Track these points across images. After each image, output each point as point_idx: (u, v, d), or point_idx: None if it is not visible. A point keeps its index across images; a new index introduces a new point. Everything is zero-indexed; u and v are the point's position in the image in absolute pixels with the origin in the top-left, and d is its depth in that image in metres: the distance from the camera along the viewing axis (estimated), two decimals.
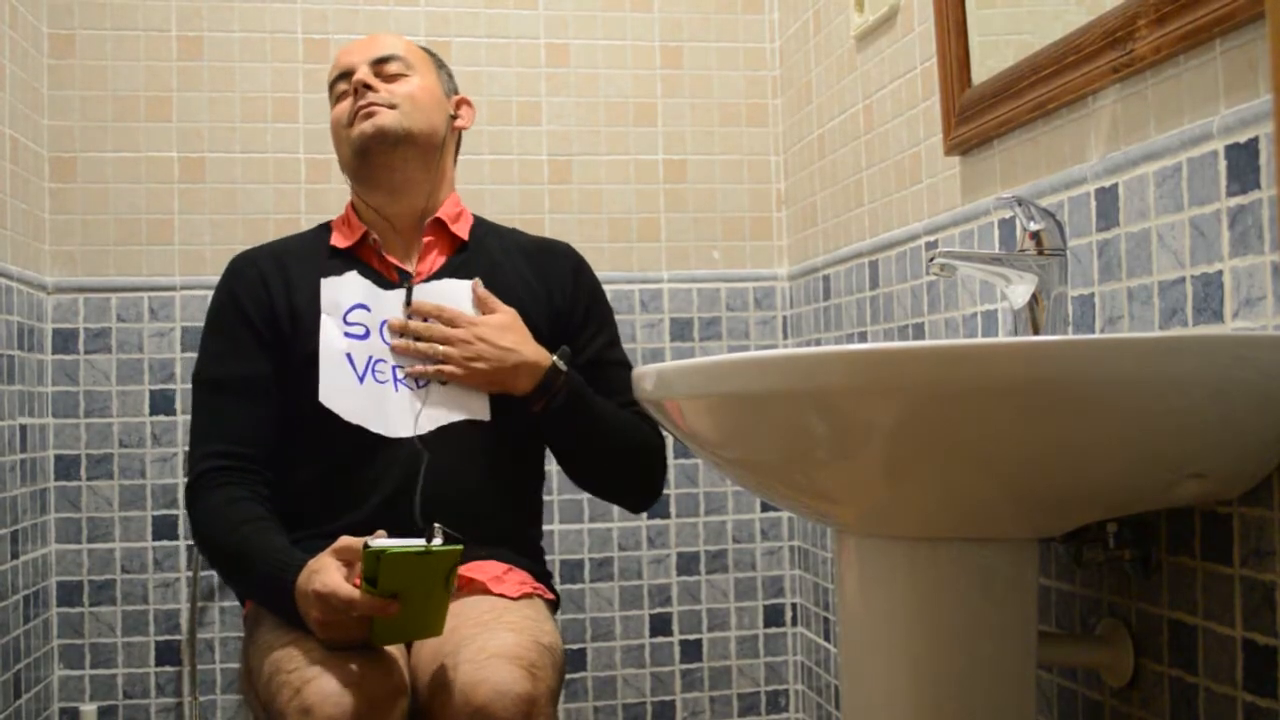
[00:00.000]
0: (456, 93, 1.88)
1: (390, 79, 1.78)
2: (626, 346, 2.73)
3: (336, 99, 1.80)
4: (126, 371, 2.55)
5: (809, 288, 2.65)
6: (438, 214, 1.80)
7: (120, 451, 2.54)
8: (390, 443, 1.67)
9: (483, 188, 2.69)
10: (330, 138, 1.89)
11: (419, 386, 1.71)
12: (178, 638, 2.53)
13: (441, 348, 1.71)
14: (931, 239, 2.04)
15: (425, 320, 1.73)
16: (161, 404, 2.55)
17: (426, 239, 1.79)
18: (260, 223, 2.59)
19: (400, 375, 1.70)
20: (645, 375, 1.33)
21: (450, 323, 1.72)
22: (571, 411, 1.72)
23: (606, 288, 2.70)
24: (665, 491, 2.74)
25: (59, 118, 2.57)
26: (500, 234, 1.89)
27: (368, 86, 1.74)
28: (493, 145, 2.72)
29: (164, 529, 2.54)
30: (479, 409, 1.72)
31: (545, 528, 2.67)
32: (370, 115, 1.74)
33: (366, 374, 1.69)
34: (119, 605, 2.53)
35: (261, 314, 1.74)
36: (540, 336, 1.76)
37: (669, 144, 2.80)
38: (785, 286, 2.80)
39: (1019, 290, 1.53)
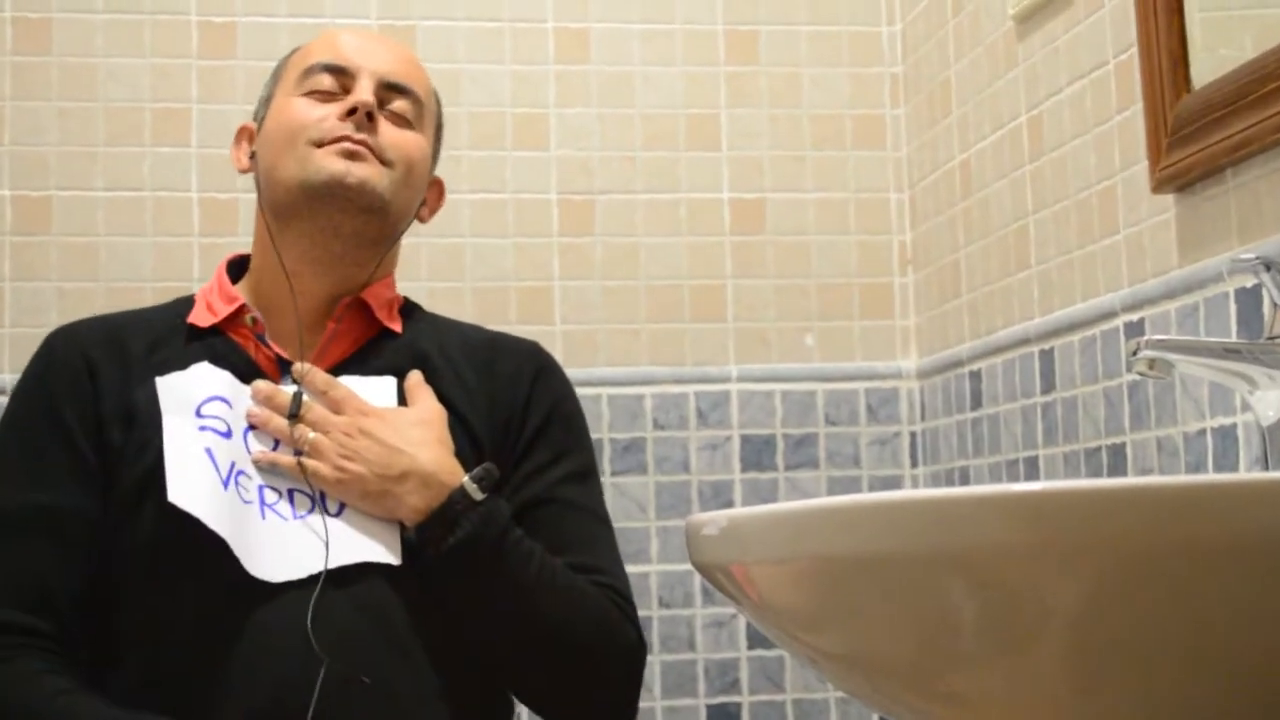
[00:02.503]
0: (435, 167, 1.93)
1: (396, 121, 1.83)
2: (676, 478, 2.71)
3: (309, 90, 1.83)
4: None
5: (949, 390, 2.63)
6: (361, 294, 1.82)
7: None
8: (264, 592, 1.66)
9: (462, 241, 2.70)
10: (240, 143, 1.89)
11: (297, 517, 1.70)
12: None
13: (312, 435, 1.71)
14: (1134, 318, 2.02)
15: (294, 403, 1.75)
16: None
17: (334, 323, 1.81)
18: (132, 293, 2.61)
19: (270, 500, 1.70)
20: (704, 525, 1.31)
21: (336, 407, 1.74)
22: (482, 561, 1.69)
23: (646, 389, 2.72)
24: (737, 699, 2.70)
25: None
26: (440, 326, 1.92)
27: (370, 117, 1.79)
28: (477, 179, 2.74)
29: None
30: (383, 546, 1.70)
31: None
32: (358, 158, 1.77)
33: (230, 481, 1.69)
34: None
35: (82, 416, 1.74)
36: (480, 462, 1.75)
37: (739, 176, 2.80)
38: (914, 388, 2.79)
39: (1270, 398, 1.51)
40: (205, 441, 1.70)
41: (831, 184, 2.82)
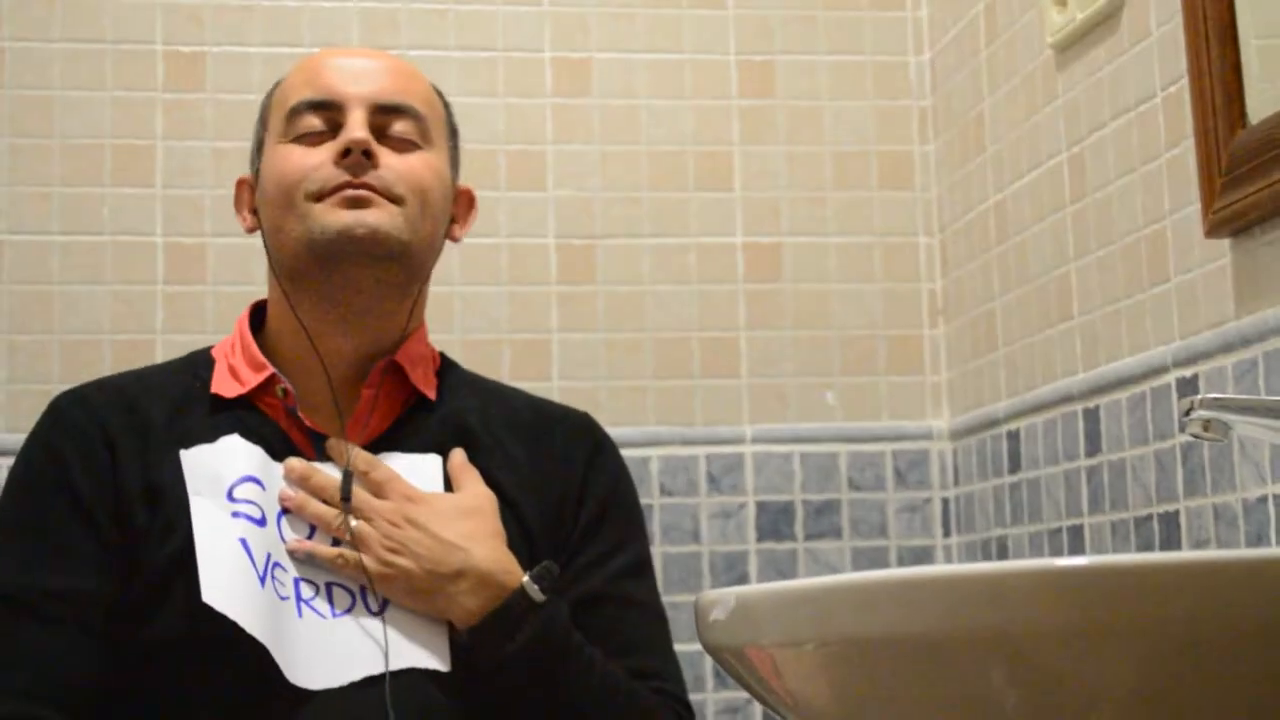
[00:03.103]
0: (458, 177, 1.91)
1: (398, 146, 1.80)
2: (685, 548, 2.70)
3: (297, 134, 1.80)
4: None
5: (985, 453, 2.63)
6: (395, 356, 1.80)
7: None
8: (301, 698, 1.65)
9: (451, 290, 2.70)
10: (247, 198, 1.86)
11: (335, 615, 1.68)
12: None
13: (355, 523, 1.70)
14: (1187, 374, 2.02)
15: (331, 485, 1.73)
16: None
17: (370, 390, 1.79)
18: (89, 348, 2.61)
19: (306, 595, 1.69)
20: (714, 604, 1.31)
21: (379, 490, 1.72)
22: (541, 669, 1.69)
23: (652, 452, 2.71)
24: None
25: None
26: (480, 390, 1.91)
27: (368, 155, 1.75)
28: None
29: None
30: (433, 651, 1.69)
31: None
32: (364, 204, 1.74)
33: (266, 576, 1.67)
34: None
35: (101, 493, 1.72)
36: (532, 551, 1.75)
37: (754, 219, 2.81)
38: (946, 450, 2.79)
39: None
40: (239, 531, 1.68)
41: (855, 227, 2.82)
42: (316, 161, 1.76)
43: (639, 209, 2.78)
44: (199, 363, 1.85)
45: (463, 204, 1.91)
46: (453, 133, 1.90)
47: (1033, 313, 2.47)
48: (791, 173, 2.82)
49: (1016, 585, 1.07)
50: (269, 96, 1.87)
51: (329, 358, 1.78)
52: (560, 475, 1.83)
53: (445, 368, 1.89)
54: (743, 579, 2.68)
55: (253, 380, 1.78)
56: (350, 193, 1.74)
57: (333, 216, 1.74)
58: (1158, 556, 1.06)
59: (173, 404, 1.79)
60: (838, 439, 2.78)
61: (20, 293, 2.63)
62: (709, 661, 2.66)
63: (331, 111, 1.79)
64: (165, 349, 2.52)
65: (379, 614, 1.70)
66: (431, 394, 1.83)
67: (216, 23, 2.72)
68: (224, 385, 1.79)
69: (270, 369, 1.78)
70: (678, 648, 2.64)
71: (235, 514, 1.69)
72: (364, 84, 1.81)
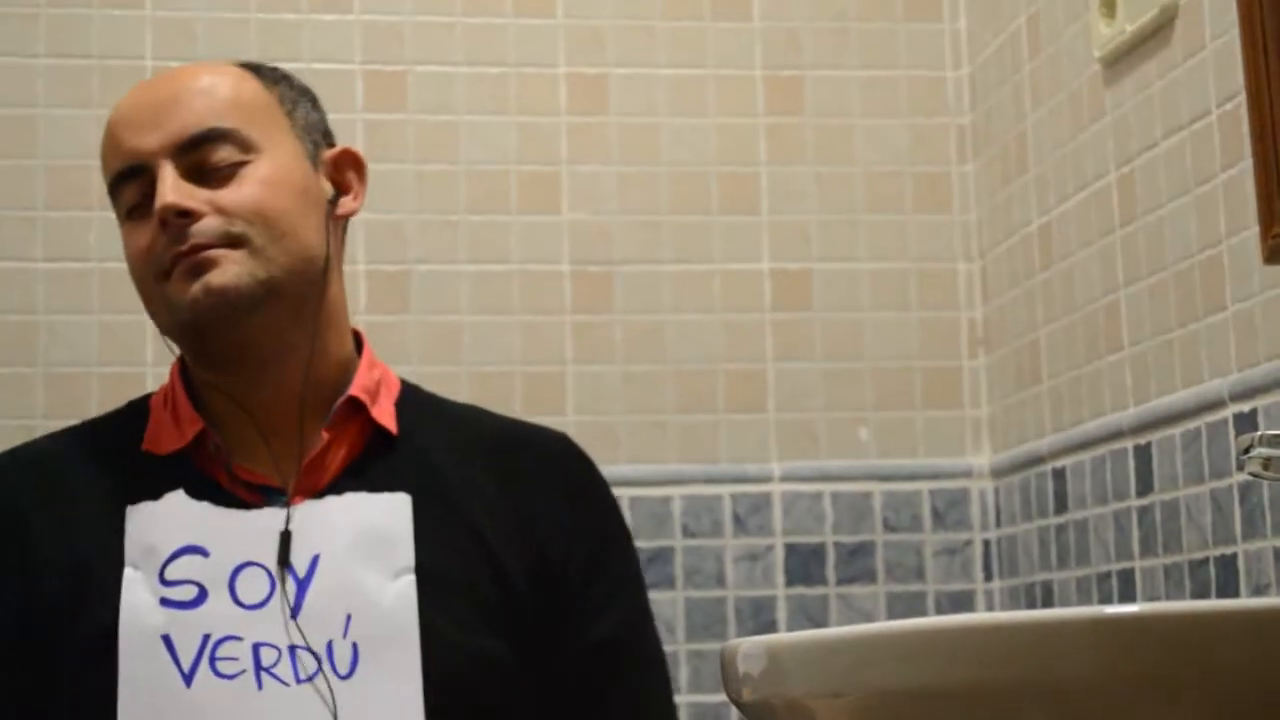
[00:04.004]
0: (328, 141, 1.84)
1: (216, 177, 1.74)
2: (710, 593, 2.70)
3: (125, 213, 1.76)
4: None
5: (1028, 492, 2.63)
6: (352, 391, 1.79)
7: None
8: None
9: (459, 319, 2.70)
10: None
11: (300, 680, 1.65)
12: None
13: None
14: (1245, 408, 2.02)
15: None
16: None
17: (330, 433, 1.78)
18: (76, 381, 2.62)
19: (267, 661, 1.67)
20: (742, 653, 1.30)
21: None
22: None
23: (674, 491, 2.71)
24: None
25: None
26: (445, 419, 1.88)
27: (183, 215, 1.70)
28: (478, 248, 2.74)
29: None
30: (402, 715, 1.68)
31: None
32: (199, 270, 1.70)
33: (199, 665, 1.65)
34: None
35: (11, 567, 1.72)
36: (514, 605, 1.74)
37: (782, 243, 2.81)
38: (987, 489, 2.78)
39: None
40: (163, 624, 1.67)
41: (889, 252, 2.83)
42: (147, 241, 1.73)
43: (659, 233, 2.79)
44: (133, 416, 1.83)
45: (345, 169, 1.84)
46: (295, 103, 1.82)
47: (1079, 343, 2.47)
48: (821, 195, 2.82)
49: (1063, 634, 1.07)
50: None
51: (256, 411, 1.77)
52: (542, 514, 1.82)
53: (405, 395, 1.86)
54: (770, 626, 2.68)
55: (183, 437, 1.76)
56: (184, 263, 1.70)
57: (179, 293, 1.71)
58: (1214, 604, 1.06)
59: (101, 467, 1.77)
60: (871, 477, 2.78)
61: (2, 323, 2.64)
62: (735, 714, 2.66)
63: (142, 178, 1.74)
64: (155, 382, 2.50)
65: (348, 676, 1.69)
66: (393, 426, 1.80)
67: (210, 37, 2.73)
68: (155, 442, 1.78)
69: (200, 424, 1.76)
70: (702, 699, 2.66)
71: (164, 600, 1.67)
72: (160, 129, 1.74)
